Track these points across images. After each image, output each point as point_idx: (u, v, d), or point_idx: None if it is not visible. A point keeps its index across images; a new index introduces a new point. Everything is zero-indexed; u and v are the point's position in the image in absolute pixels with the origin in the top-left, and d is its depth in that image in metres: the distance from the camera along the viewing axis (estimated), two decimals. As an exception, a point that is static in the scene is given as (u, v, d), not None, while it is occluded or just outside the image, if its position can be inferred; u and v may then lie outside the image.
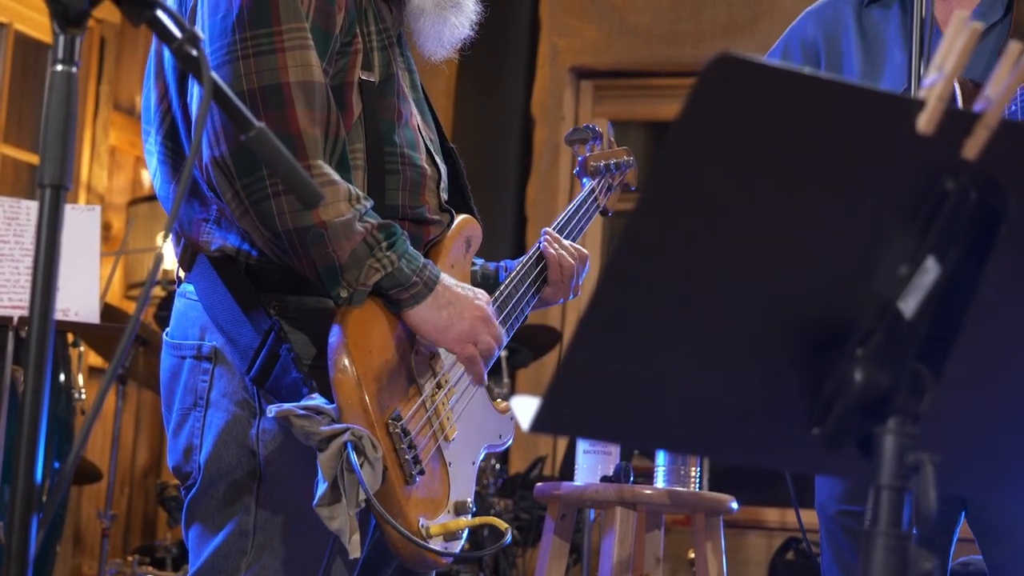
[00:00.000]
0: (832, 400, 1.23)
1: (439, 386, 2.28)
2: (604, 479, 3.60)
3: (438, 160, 2.38)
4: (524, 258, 2.52)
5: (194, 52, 1.49)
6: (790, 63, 2.85)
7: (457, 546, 2.25)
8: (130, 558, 5.32)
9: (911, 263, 1.21)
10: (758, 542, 6.20)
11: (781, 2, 6.38)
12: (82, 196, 6.31)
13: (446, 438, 2.27)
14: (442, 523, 2.21)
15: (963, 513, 2.71)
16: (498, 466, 5.60)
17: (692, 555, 3.91)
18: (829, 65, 2.79)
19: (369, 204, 2.16)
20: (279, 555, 2.18)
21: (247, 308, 2.16)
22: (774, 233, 1.22)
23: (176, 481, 2.29)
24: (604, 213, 2.77)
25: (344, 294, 2.13)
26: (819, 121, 1.17)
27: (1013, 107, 2.53)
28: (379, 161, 2.26)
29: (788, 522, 6.13)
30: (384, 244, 2.14)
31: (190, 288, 2.24)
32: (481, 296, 2.26)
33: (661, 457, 3.67)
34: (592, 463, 3.65)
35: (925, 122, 1.16)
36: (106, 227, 6.24)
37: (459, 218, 2.40)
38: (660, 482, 3.64)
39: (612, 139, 2.83)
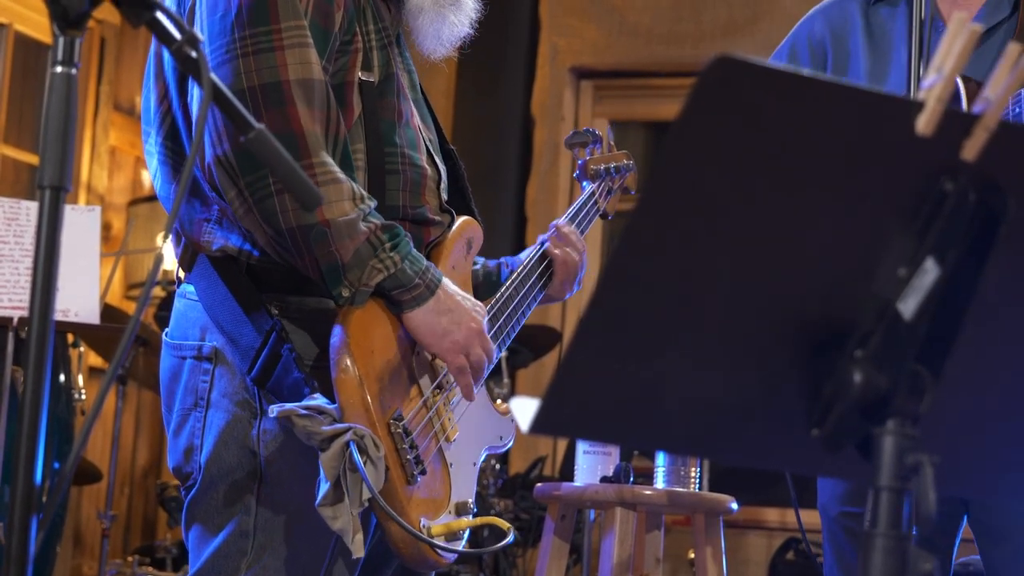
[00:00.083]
0: (831, 401, 1.23)
1: (440, 387, 2.28)
2: (604, 480, 3.60)
3: (438, 160, 2.38)
4: (528, 256, 2.51)
5: (193, 53, 1.49)
6: (797, 62, 2.85)
7: (458, 546, 2.25)
8: (130, 558, 5.32)
9: (910, 264, 1.21)
10: (758, 542, 6.20)
11: (781, 2, 6.38)
12: (82, 196, 6.31)
13: (447, 439, 2.27)
14: (444, 523, 2.21)
15: (965, 515, 2.71)
16: (498, 466, 5.60)
17: (692, 555, 3.91)
18: (836, 63, 2.79)
19: (373, 204, 2.16)
20: (280, 555, 2.18)
21: (248, 308, 2.16)
22: (774, 233, 1.22)
23: (176, 481, 2.29)
24: (604, 216, 2.77)
25: (346, 293, 2.13)
26: (818, 122, 1.18)
27: (1017, 109, 2.53)
28: (379, 161, 2.26)
29: (788, 522, 6.13)
30: (388, 245, 2.14)
31: (190, 288, 2.23)
32: (479, 308, 2.26)
33: (661, 458, 3.67)
34: (592, 464, 3.65)
35: (924, 123, 1.16)
36: (106, 227, 6.24)
37: (460, 220, 2.40)
38: (660, 483, 3.64)
39: (612, 143, 2.83)
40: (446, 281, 2.23)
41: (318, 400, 2.09)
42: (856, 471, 1.26)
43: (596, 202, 2.73)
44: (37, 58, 6.30)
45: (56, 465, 4.50)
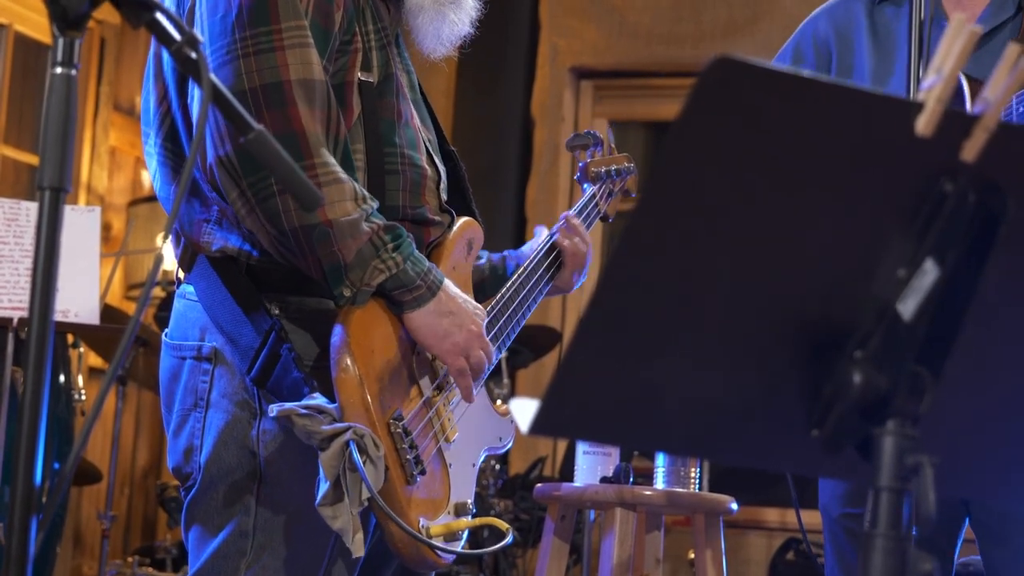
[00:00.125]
0: (831, 402, 1.23)
1: (440, 388, 2.28)
2: (604, 480, 3.60)
3: (437, 161, 2.38)
4: (535, 249, 2.52)
5: (193, 54, 1.49)
6: (802, 61, 2.85)
7: (457, 547, 2.25)
8: (130, 559, 5.32)
9: (910, 265, 1.21)
10: (758, 542, 6.20)
11: (781, 2, 6.39)
12: (82, 197, 6.31)
13: (447, 439, 2.27)
14: (443, 524, 2.21)
15: (967, 517, 2.70)
16: (498, 467, 5.60)
17: (692, 556, 3.91)
18: (841, 63, 2.79)
19: (375, 205, 2.17)
20: (279, 556, 2.18)
21: (248, 308, 2.16)
22: (773, 234, 1.22)
23: (176, 482, 2.29)
24: (605, 219, 2.77)
25: (347, 293, 2.13)
26: (818, 123, 1.18)
27: (1021, 108, 2.53)
28: (379, 161, 2.26)
29: (788, 522, 6.13)
30: (390, 245, 2.15)
31: (190, 289, 2.24)
32: (480, 312, 2.26)
33: (661, 458, 3.67)
34: (592, 464, 3.65)
35: (924, 124, 1.16)
36: (106, 228, 6.24)
37: (461, 220, 2.40)
38: (660, 483, 3.64)
39: (613, 145, 2.83)
40: (448, 283, 2.23)
41: (318, 399, 2.09)
42: (856, 472, 1.26)
43: (597, 204, 2.73)
44: (37, 58, 6.30)
45: (56, 465, 4.50)
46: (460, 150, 2.53)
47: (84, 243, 4.00)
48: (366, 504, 2.07)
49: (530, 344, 5.78)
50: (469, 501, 2.30)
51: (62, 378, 4.63)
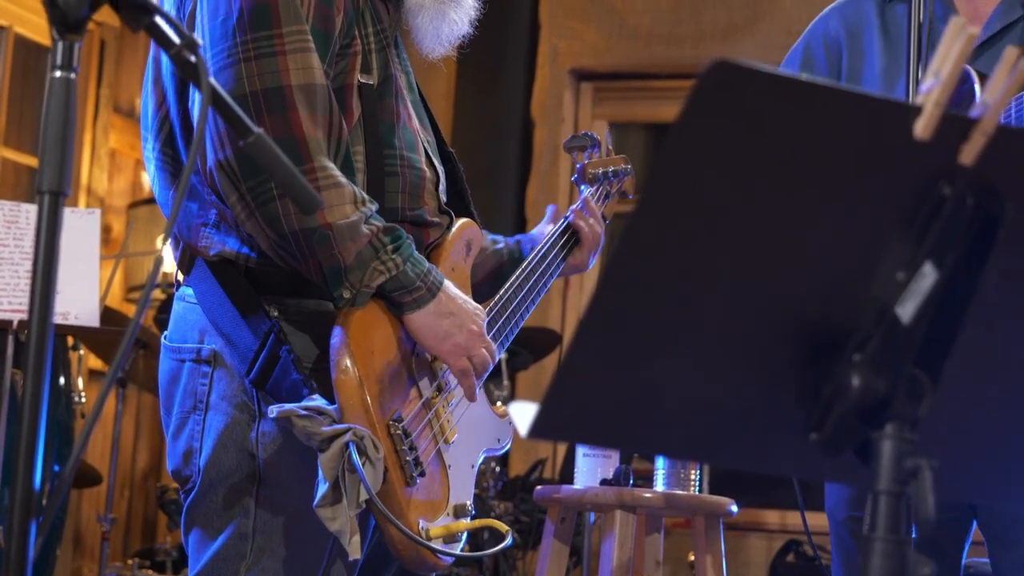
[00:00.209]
0: (830, 405, 1.23)
1: (439, 389, 2.28)
2: (604, 482, 3.60)
3: (436, 162, 2.39)
4: (549, 233, 2.56)
5: (192, 58, 1.49)
6: (812, 60, 2.84)
7: (457, 548, 2.25)
8: (130, 561, 5.31)
9: (909, 268, 1.21)
10: (758, 544, 6.20)
11: (781, 3, 6.39)
12: (82, 199, 6.31)
13: (446, 441, 2.27)
14: (442, 525, 2.21)
15: (974, 523, 2.70)
16: (498, 469, 5.60)
17: (692, 558, 3.91)
18: (851, 61, 2.79)
19: (374, 207, 2.17)
20: (279, 558, 2.18)
21: (247, 311, 2.16)
22: (772, 235, 1.22)
23: (176, 484, 2.29)
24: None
25: (347, 295, 2.13)
26: (816, 126, 1.18)
27: (1020, 111, 2.53)
28: (379, 163, 2.26)
29: (788, 524, 6.13)
30: (390, 247, 2.15)
31: (189, 291, 2.24)
32: (480, 312, 2.27)
33: (661, 460, 3.67)
34: (592, 466, 3.65)
35: (922, 128, 1.16)
36: (106, 230, 6.24)
37: (459, 221, 2.40)
38: (660, 485, 3.64)
39: (610, 146, 2.84)
40: (448, 284, 2.23)
41: (317, 401, 2.09)
42: (855, 475, 1.26)
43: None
44: (37, 60, 6.30)
45: (56, 468, 4.50)
46: (460, 151, 2.53)
47: (84, 245, 4.00)
48: (364, 506, 2.07)
49: (529, 346, 5.78)
50: (468, 502, 2.30)
51: (62, 380, 4.63)
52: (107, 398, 1.46)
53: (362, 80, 2.24)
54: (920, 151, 1.18)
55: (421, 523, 2.17)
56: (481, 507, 5.16)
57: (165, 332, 2.29)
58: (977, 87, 2.47)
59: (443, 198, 2.39)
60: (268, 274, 2.19)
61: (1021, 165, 1.21)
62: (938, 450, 1.22)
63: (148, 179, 2.35)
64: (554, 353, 6.08)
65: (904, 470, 1.20)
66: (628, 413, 1.29)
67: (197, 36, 2.05)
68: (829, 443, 1.24)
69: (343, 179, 2.13)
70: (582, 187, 2.76)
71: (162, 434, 2.32)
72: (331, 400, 2.10)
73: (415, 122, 2.35)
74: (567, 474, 4.28)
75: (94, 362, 5.79)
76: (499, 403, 2.48)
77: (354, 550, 2.08)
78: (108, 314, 4.96)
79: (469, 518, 2.29)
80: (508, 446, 2.47)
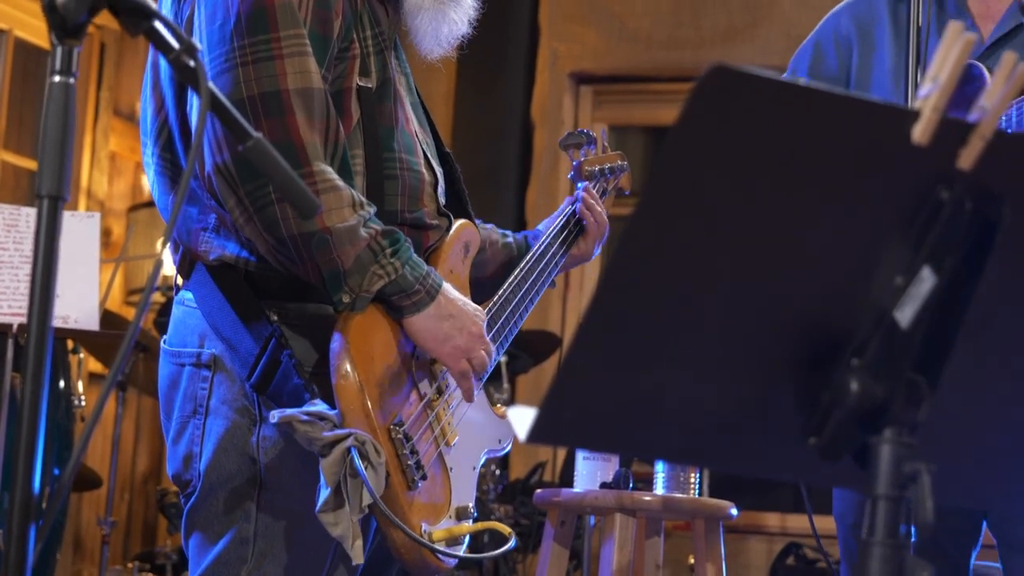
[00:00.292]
0: (829, 410, 1.24)
1: (439, 391, 2.28)
2: (604, 485, 3.60)
3: (434, 164, 2.39)
4: (549, 229, 2.58)
5: (191, 62, 1.49)
6: (822, 57, 2.85)
7: (459, 551, 2.25)
8: (130, 564, 5.32)
9: (907, 273, 1.21)
10: (758, 547, 6.20)
11: (780, 7, 6.40)
12: (82, 202, 6.32)
13: (447, 443, 2.27)
14: (445, 528, 2.21)
15: (983, 526, 2.69)
16: (498, 472, 5.60)
17: (692, 561, 3.91)
18: (861, 58, 2.79)
19: (372, 210, 2.17)
20: (280, 562, 2.17)
21: (247, 315, 2.16)
22: (771, 238, 1.22)
23: (177, 488, 2.29)
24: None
25: (346, 299, 2.13)
26: (814, 131, 1.18)
27: (1019, 116, 2.53)
28: (378, 166, 2.26)
29: (788, 527, 6.13)
30: (388, 251, 2.15)
31: (189, 296, 2.24)
32: (479, 313, 2.27)
33: (660, 463, 3.67)
34: (592, 469, 3.65)
35: (920, 133, 1.17)
36: (106, 233, 6.25)
37: (457, 223, 2.40)
38: (659, 488, 3.64)
39: (606, 143, 2.84)
40: (447, 286, 2.23)
41: (319, 406, 2.09)
42: (854, 480, 1.26)
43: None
44: (37, 64, 6.31)
45: (56, 471, 4.50)
46: (460, 153, 2.54)
47: (84, 249, 4.00)
48: (367, 511, 2.07)
49: (529, 349, 5.78)
50: (470, 505, 2.30)
51: (62, 384, 4.63)
52: (107, 401, 1.46)
53: (360, 84, 2.24)
54: (918, 156, 1.18)
55: (424, 526, 2.17)
56: (481, 510, 5.16)
57: (165, 336, 2.29)
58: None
59: (442, 200, 2.39)
60: (268, 278, 2.19)
61: (1019, 170, 1.21)
62: (937, 454, 1.22)
63: (148, 183, 2.35)
64: (554, 356, 6.08)
65: (903, 474, 1.20)
66: (628, 416, 1.29)
67: (195, 41, 2.05)
68: (828, 448, 1.24)
69: (341, 183, 2.13)
70: (579, 184, 2.77)
71: (162, 437, 2.32)
72: (332, 405, 2.10)
73: (413, 124, 2.35)
74: (567, 477, 4.29)
75: (94, 365, 5.79)
76: (498, 404, 2.48)
77: (357, 555, 2.08)
78: (108, 317, 4.96)
79: (471, 520, 2.29)
80: (509, 447, 2.47)
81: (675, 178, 1.18)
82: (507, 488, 5.75)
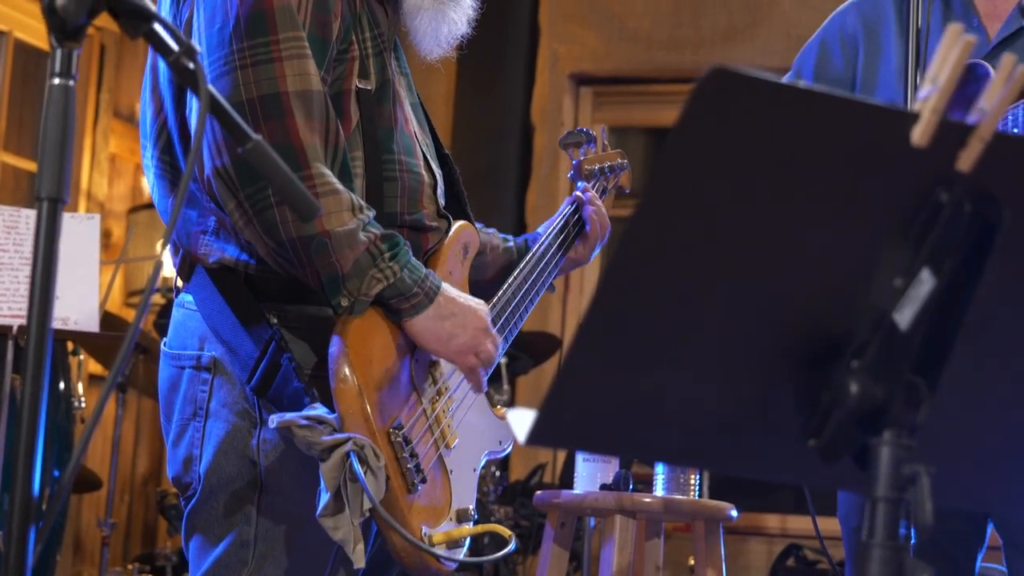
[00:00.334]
0: (828, 412, 1.24)
1: (439, 394, 2.28)
2: (603, 487, 3.60)
3: (434, 166, 2.39)
4: (552, 227, 2.58)
5: (191, 65, 1.49)
6: (828, 56, 2.85)
7: (459, 554, 2.25)
8: (130, 566, 5.32)
9: (906, 275, 1.21)
10: (759, 549, 6.20)
11: (780, 7, 6.40)
12: (82, 204, 6.32)
13: (447, 446, 2.27)
14: (445, 531, 2.21)
15: (988, 528, 2.69)
16: (498, 473, 5.60)
17: (692, 562, 3.91)
18: (867, 57, 2.79)
19: (372, 214, 2.17)
20: (281, 565, 2.17)
21: (247, 318, 2.16)
22: (772, 239, 1.22)
23: (176, 490, 2.29)
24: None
25: (345, 303, 2.13)
26: (813, 132, 1.18)
27: (1018, 118, 2.53)
28: (377, 168, 2.26)
29: (789, 528, 6.13)
30: (387, 255, 2.15)
31: (189, 298, 2.23)
32: (481, 307, 2.27)
33: (660, 465, 3.67)
34: (591, 471, 3.65)
35: (919, 135, 1.17)
36: (106, 234, 6.25)
37: (456, 225, 2.40)
38: (659, 490, 3.64)
39: (606, 142, 2.84)
40: (445, 286, 2.23)
41: (318, 410, 2.09)
42: (854, 481, 1.26)
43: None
44: (37, 65, 6.31)
45: (56, 473, 4.50)
46: (459, 154, 2.54)
47: (84, 250, 4.00)
48: (367, 515, 2.07)
49: (529, 350, 5.77)
50: (471, 507, 2.30)
51: (62, 385, 4.63)
52: (107, 403, 1.46)
53: (360, 85, 2.24)
54: (917, 158, 1.18)
55: (424, 529, 2.17)
56: (481, 512, 5.16)
57: (164, 339, 2.29)
58: None
59: (441, 202, 2.39)
60: (267, 281, 2.19)
61: (1018, 172, 1.21)
62: (936, 456, 1.22)
63: (147, 185, 2.35)
64: (554, 357, 6.08)
65: (902, 476, 1.21)
66: (628, 417, 1.29)
67: (194, 43, 2.05)
68: (827, 449, 1.24)
69: (340, 186, 2.13)
70: (579, 183, 2.76)
71: (162, 439, 2.32)
72: (332, 408, 2.10)
73: (413, 126, 2.35)
74: (567, 479, 4.28)
75: (94, 367, 5.79)
76: (499, 406, 2.48)
77: (358, 559, 2.08)
78: (108, 319, 4.96)
79: (472, 523, 2.29)
80: (510, 448, 2.47)
81: (675, 179, 1.18)
82: (507, 490, 5.74)
